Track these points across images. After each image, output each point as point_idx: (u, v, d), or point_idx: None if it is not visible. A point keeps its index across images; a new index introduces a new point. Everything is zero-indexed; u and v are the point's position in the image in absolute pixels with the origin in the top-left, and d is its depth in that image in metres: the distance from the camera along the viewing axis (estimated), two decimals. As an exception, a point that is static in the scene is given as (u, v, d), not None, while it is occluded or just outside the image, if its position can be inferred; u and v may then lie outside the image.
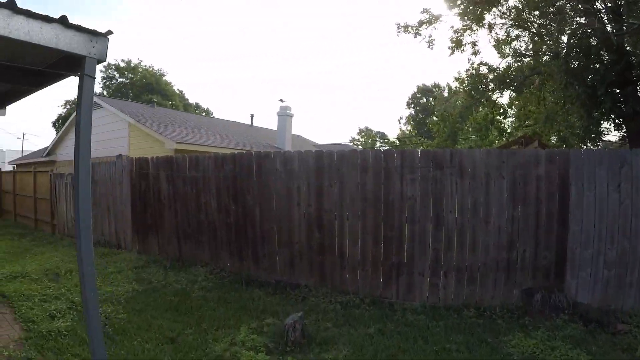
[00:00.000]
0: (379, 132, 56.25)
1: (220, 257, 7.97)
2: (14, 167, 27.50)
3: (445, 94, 59.03)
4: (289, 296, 6.68)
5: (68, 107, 36.57)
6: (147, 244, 9.48)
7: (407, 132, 53.44)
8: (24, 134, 78.31)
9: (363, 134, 54.67)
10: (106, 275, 7.77)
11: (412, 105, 58.11)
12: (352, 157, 6.71)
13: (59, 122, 36.50)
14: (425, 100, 60.70)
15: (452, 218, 6.16)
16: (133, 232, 9.85)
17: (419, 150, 6.70)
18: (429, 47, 17.15)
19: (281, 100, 20.25)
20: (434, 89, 60.55)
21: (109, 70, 41.38)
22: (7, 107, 6.59)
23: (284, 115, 18.40)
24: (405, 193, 6.34)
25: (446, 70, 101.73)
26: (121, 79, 41.32)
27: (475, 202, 6.10)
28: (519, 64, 17.16)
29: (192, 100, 46.59)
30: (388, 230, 6.43)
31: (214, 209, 7.96)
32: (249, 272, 7.51)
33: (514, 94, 18.26)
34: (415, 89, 61.61)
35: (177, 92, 42.61)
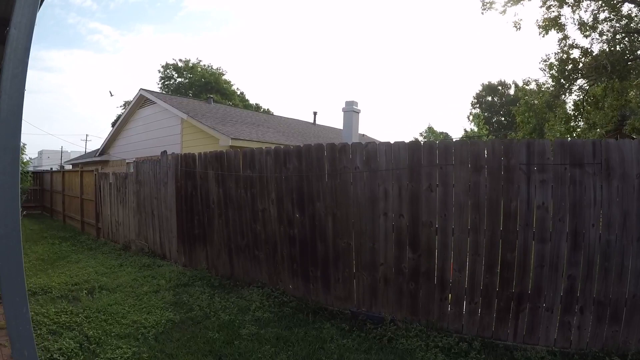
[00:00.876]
0: (442, 133, 53.61)
1: (281, 277, 6.44)
2: (62, 167, 27.51)
3: (512, 91, 56.67)
4: (370, 334, 5.07)
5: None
6: (193, 257, 8.11)
7: (471, 132, 50.58)
8: (87, 135, 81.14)
9: (427, 134, 52.28)
10: (140, 295, 6.45)
11: (477, 105, 55.22)
12: (460, 151, 4.97)
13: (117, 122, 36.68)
14: (490, 98, 57.62)
15: (594, 235, 4.43)
16: (178, 241, 8.51)
17: (550, 142, 4.87)
18: (515, 28, 15.25)
19: (348, 101, 18.61)
20: (499, 87, 57.45)
21: (167, 71, 41.41)
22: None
23: (350, 112, 16.78)
24: (532, 199, 4.64)
25: (513, 66, 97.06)
26: (179, 79, 41.18)
27: (626, 213, 4.33)
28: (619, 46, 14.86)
29: (252, 101, 45.99)
30: (507, 251, 4.73)
31: (273, 217, 6.44)
32: (317, 299, 5.97)
33: (606, 81, 15.85)
34: (480, 88, 58.74)
35: (237, 91, 41.92)
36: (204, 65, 41.20)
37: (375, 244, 5.45)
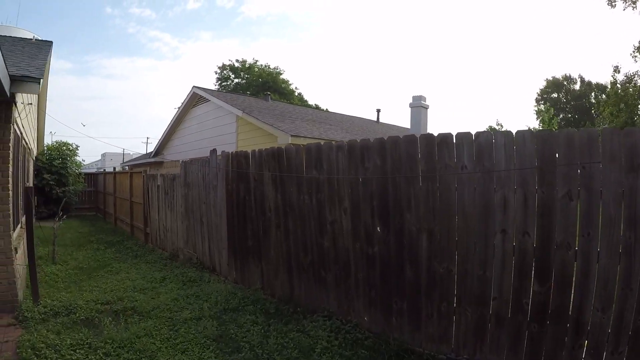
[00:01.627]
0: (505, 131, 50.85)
1: (353, 306, 5.12)
2: (114, 169, 27.42)
3: (577, 86, 52.80)
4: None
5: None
6: (246, 273, 6.94)
7: (533, 129, 47.46)
8: (147, 138, 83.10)
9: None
10: (177, 324, 5.34)
11: (542, 102, 51.99)
12: (611, 143, 3.50)
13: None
14: (555, 95, 54.16)
15: None
16: (229, 253, 7.37)
17: None
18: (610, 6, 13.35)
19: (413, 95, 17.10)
20: (564, 82, 53.89)
21: (224, 72, 41.18)
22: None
23: (418, 107, 15.34)
24: None
25: (577, 60, 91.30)
26: (236, 80, 40.84)
27: None
28: None
29: (311, 102, 44.88)
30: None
31: (346, 231, 5.12)
32: (401, 337, 4.63)
33: None
34: (544, 83, 55.27)
35: (295, 90, 41.01)
36: (261, 65, 40.67)
37: (486, 271, 4.03)
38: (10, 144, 6.07)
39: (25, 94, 7.30)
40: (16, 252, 6.29)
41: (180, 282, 7.39)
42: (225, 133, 14.44)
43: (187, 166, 9.26)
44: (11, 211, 6.22)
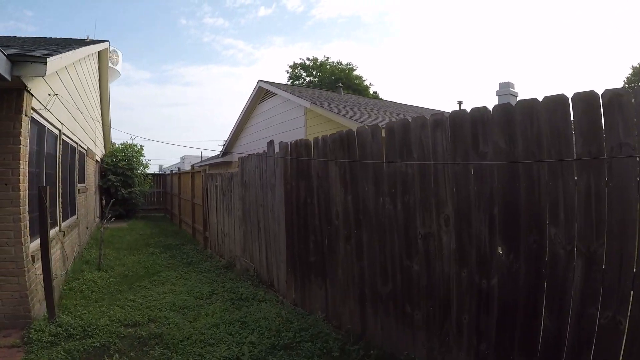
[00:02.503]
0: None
1: (454, 358, 3.47)
2: (178, 169, 27.05)
3: None
4: None
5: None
6: (307, 294, 5.51)
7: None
8: (223, 140, 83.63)
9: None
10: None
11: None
12: None
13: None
14: (643, 83, 48.50)
15: None
16: (288, 268, 5.97)
17: None
18: None
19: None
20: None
21: (296, 70, 40.36)
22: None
23: (507, 95, 13.42)
24: None
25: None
26: (308, 78, 39.85)
27: None
28: None
29: (387, 99, 42.95)
30: None
31: (446, 251, 3.51)
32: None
33: None
34: (629, 71, 49.57)
35: (369, 87, 39.30)
36: (333, 62, 39.36)
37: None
38: (22, 137, 5.13)
39: (49, 86, 6.41)
40: (34, 262, 5.34)
41: (229, 301, 6.12)
42: (293, 128, 13.17)
43: (244, 163, 8.01)
44: (25, 214, 5.24)
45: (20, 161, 5.09)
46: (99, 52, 13.60)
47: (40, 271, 5.40)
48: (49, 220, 5.45)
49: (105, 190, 17.13)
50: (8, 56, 4.54)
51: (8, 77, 4.56)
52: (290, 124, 13.33)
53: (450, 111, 3.53)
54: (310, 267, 5.36)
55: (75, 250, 9.06)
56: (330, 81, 35.38)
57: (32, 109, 5.63)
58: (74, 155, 9.69)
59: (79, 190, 10.17)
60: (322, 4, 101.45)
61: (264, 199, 6.84)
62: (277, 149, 6.34)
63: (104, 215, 17.69)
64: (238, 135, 18.74)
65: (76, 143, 9.73)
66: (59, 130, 7.56)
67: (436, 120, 3.54)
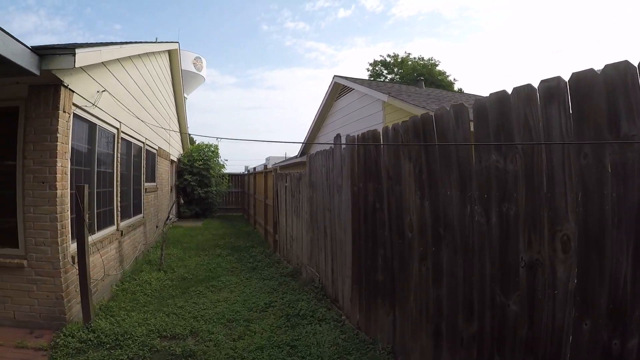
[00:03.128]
0: None
1: None
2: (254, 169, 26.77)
3: None
4: None
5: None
6: (372, 318, 4.59)
7: None
8: (303, 140, 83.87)
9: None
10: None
11: None
12: None
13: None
14: None
15: None
16: (353, 284, 5.09)
17: None
18: None
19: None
20: None
21: (376, 68, 39.10)
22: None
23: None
24: None
25: None
26: (389, 75, 38.47)
27: None
28: None
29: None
30: None
31: (562, 287, 2.36)
32: None
33: None
34: None
35: (453, 82, 37.19)
36: (414, 58, 37.64)
37: None
38: (60, 134, 4.81)
39: (97, 83, 6.01)
40: (74, 263, 4.98)
41: (284, 317, 5.36)
42: (371, 124, 12.19)
43: (311, 161, 7.23)
44: (64, 214, 4.87)
45: (58, 159, 4.76)
46: (169, 53, 13.48)
47: (80, 271, 5.02)
48: (86, 221, 5.01)
49: (181, 190, 17.22)
50: (34, 49, 4.19)
51: (36, 72, 4.24)
52: (368, 120, 12.36)
53: (570, 74, 2.35)
54: (378, 287, 4.42)
55: (139, 249, 8.77)
56: (412, 78, 33.84)
57: (75, 105, 5.29)
58: (140, 154, 9.42)
59: (146, 189, 9.92)
60: (401, 2, 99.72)
61: (330, 202, 6.00)
62: (344, 141, 5.47)
63: (181, 214, 17.89)
64: (315, 134, 18.07)
65: (142, 142, 9.47)
66: (117, 129, 7.21)
67: (549, 89, 2.40)
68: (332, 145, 6.03)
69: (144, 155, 9.69)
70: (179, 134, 17.64)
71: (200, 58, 53.67)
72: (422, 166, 3.53)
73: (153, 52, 10.23)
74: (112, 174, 7.11)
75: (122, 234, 7.40)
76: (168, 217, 9.10)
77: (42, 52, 4.31)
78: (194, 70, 53.33)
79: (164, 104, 12.89)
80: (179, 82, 15.36)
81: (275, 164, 27.72)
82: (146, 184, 10.04)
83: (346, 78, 14.09)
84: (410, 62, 37.42)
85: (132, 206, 8.63)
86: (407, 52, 39.38)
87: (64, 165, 4.91)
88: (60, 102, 4.79)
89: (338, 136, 5.75)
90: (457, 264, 3.14)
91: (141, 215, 9.45)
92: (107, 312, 5.51)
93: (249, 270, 8.29)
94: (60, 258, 4.76)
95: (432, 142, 3.35)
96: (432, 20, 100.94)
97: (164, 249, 8.59)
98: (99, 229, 6.40)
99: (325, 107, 16.20)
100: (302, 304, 5.81)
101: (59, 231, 4.75)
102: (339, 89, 14.93)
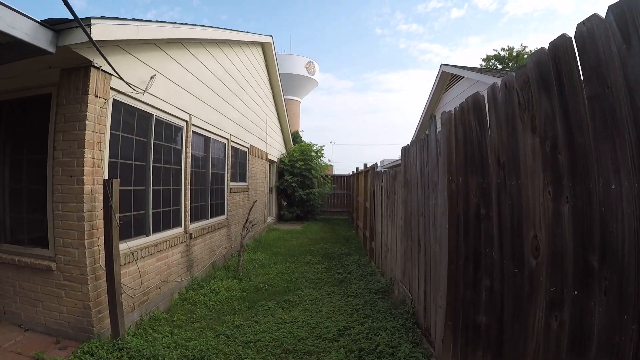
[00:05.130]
0: None
1: None
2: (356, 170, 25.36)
3: None
4: None
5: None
6: (470, 358, 3.00)
7: None
8: (412, 139, 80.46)
9: None
10: None
11: None
12: None
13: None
14: None
15: None
16: (447, 318, 3.58)
17: None
18: None
19: None
20: None
21: (490, 62, 36.00)
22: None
23: None
24: None
25: None
26: (505, 70, 35.17)
27: None
28: None
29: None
30: None
31: None
32: None
33: None
34: None
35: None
36: (530, 51, 33.86)
37: None
38: (89, 121, 4.08)
39: (149, 67, 5.20)
40: (104, 269, 4.20)
41: (355, 354, 4.06)
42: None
43: (405, 154, 5.79)
44: (96, 212, 4.17)
45: (86, 149, 4.00)
46: (262, 48, 12.65)
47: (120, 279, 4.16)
48: (116, 221, 4.08)
49: (282, 191, 16.49)
50: (45, 23, 3.50)
51: (51, 49, 3.53)
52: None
53: None
54: (478, 333, 2.86)
55: (218, 252, 7.93)
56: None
57: (115, 90, 4.48)
58: (223, 151, 8.61)
59: (231, 189, 9.09)
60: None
61: (425, 205, 4.53)
62: (439, 127, 4.00)
63: (281, 216, 17.15)
64: (424, 131, 16.38)
65: (225, 138, 8.66)
66: (185, 121, 6.37)
67: None
68: (427, 132, 4.55)
69: (228, 152, 8.89)
70: (280, 134, 16.95)
71: (312, 62, 53.72)
72: (558, 139, 1.94)
73: (237, 42, 9.42)
74: (179, 170, 6.27)
75: (191, 237, 6.55)
76: (247, 220, 8.10)
77: (57, 27, 3.54)
78: (307, 74, 53.51)
79: (258, 101, 12.12)
80: (277, 79, 14.50)
81: (383, 165, 26.27)
82: (232, 184, 9.23)
83: (454, 66, 12.26)
84: (526, 56, 33.73)
85: (211, 207, 7.82)
86: (523, 44, 35.30)
87: (96, 157, 4.09)
88: (91, 85, 4.01)
89: (432, 118, 4.26)
90: (624, 328, 1.56)
91: (224, 217, 8.65)
92: (151, 325, 4.68)
93: (335, 283, 7.03)
94: (87, 263, 3.99)
95: (574, 89, 1.80)
96: (548, 16, 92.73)
97: (242, 254, 7.66)
98: (156, 230, 5.56)
99: (432, 102, 14.47)
100: (383, 335, 4.40)
101: (86, 232, 3.98)
102: (447, 80, 13.15)
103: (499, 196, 2.58)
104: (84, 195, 3.96)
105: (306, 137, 57.92)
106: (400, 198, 5.99)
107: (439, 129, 3.96)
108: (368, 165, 11.48)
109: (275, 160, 15.97)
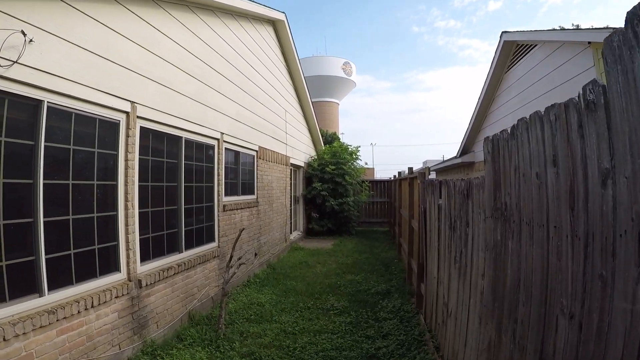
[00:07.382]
0: None
1: None
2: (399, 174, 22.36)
3: None
4: None
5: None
6: None
7: None
8: (463, 137, 76.42)
9: None
10: None
11: None
12: None
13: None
14: None
15: None
16: None
17: None
18: None
19: None
20: None
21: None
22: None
23: None
24: None
25: None
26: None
27: None
28: None
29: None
30: None
31: None
32: None
33: None
34: None
35: None
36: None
37: None
38: None
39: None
40: None
41: None
42: (571, 87, 7.20)
43: (500, 151, 3.02)
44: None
45: None
46: (274, 28, 9.94)
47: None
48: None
49: (309, 201, 13.68)
50: None
51: None
52: (566, 88, 7.39)
53: None
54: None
55: (202, 295, 5.43)
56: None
57: None
58: (208, 155, 6.12)
59: (224, 206, 6.54)
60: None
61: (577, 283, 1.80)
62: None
63: (309, 230, 14.40)
64: (479, 126, 13.28)
65: (215, 139, 6.17)
66: (125, 113, 3.87)
67: None
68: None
69: (218, 157, 6.35)
70: (307, 134, 14.25)
71: (349, 63, 51.12)
72: None
73: (231, 12, 6.91)
74: (114, 187, 3.79)
75: (140, 285, 4.07)
76: (231, 257, 5.38)
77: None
78: (344, 76, 50.92)
79: (272, 92, 9.52)
80: (297, 68, 11.62)
81: (430, 166, 23.17)
82: (227, 199, 6.67)
83: (523, 32, 9.11)
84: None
85: (185, 235, 5.32)
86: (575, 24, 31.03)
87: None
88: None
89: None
90: None
91: (213, 245, 6.17)
92: None
93: (374, 355, 4.33)
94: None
95: None
96: (590, 2, 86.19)
97: (225, 306, 5.05)
98: (56, 286, 3.12)
99: (490, 86, 11.33)
100: None
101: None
102: (510, 52, 9.98)
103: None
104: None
105: (346, 140, 55.20)
106: (482, 237, 3.15)
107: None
108: (414, 170, 8.68)
109: (302, 164, 13.26)
